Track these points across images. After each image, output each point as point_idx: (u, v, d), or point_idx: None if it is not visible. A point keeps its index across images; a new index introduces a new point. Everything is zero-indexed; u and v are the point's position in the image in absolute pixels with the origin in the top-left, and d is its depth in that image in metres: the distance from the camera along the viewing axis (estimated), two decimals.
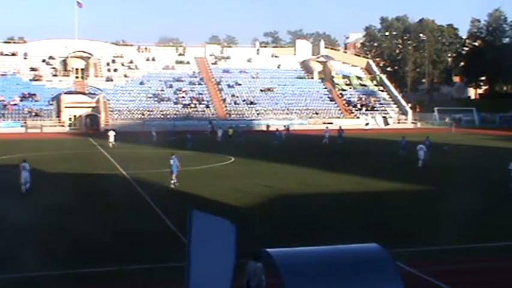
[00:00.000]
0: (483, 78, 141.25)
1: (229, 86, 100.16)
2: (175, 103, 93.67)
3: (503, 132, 77.58)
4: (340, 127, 64.90)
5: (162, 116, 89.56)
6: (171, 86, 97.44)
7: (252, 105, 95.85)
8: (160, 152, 48.84)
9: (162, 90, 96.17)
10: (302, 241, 11.98)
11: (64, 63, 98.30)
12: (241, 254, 14.73)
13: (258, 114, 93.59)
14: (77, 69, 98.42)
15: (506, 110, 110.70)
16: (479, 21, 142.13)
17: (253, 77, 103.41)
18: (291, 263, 9.77)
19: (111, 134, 57.45)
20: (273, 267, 9.89)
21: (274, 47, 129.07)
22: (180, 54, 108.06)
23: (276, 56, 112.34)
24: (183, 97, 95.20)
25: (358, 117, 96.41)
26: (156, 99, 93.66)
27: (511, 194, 28.95)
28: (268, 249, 10.14)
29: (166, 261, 16.14)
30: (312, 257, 10.15)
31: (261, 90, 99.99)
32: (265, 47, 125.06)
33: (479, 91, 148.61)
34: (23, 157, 32.66)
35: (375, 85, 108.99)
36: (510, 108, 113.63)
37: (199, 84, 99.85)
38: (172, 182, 30.22)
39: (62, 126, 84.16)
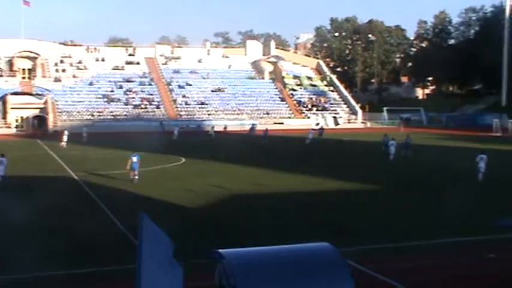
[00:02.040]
0: (430, 78, 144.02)
1: (179, 86, 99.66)
2: (126, 104, 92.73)
3: (449, 131, 79.24)
4: (321, 127, 65.78)
5: (112, 117, 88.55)
6: (121, 87, 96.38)
7: (203, 106, 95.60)
8: (111, 152, 48.33)
9: (112, 90, 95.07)
10: (254, 241, 12.00)
11: (10, 63, 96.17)
12: (197, 255, 14.75)
13: (209, 114, 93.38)
14: (23, 69, 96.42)
15: (453, 110, 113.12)
16: (425, 22, 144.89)
17: (204, 78, 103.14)
18: (242, 263, 9.76)
19: (66, 134, 56.87)
20: (224, 268, 9.87)
21: (224, 47, 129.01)
22: (130, 55, 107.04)
23: (226, 57, 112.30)
24: (133, 98, 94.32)
25: (308, 118, 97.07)
26: (105, 100, 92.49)
27: (464, 189, 29.62)
28: (220, 250, 10.13)
29: (116, 264, 15.93)
30: (263, 257, 10.17)
31: (212, 91, 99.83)
32: (215, 47, 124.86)
33: (427, 91, 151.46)
34: None
35: (325, 85, 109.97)
36: (456, 108, 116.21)
37: (150, 84, 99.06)
38: (134, 177, 31.68)
39: (9, 127, 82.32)
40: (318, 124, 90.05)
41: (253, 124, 76.55)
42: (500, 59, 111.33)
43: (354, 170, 38.89)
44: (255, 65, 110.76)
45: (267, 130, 66.91)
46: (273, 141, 61.99)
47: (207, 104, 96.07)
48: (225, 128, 79.56)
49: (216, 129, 74.07)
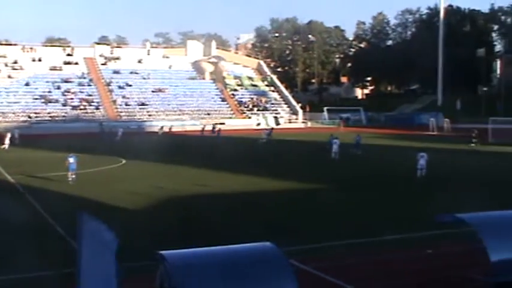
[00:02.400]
0: (369, 78, 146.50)
1: (119, 87, 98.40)
2: (64, 105, 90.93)
3: (388, 130, 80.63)
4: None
5: (50, 118, 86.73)
6: (58, 87, 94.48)
7: (143, 107, 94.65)
8: (49, 155, 47.32)
9: (50, 91, 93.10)
10: (196, 242, 11.89)
11: None
12: (138, 257, 14.54)
13: (149, 115, 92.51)
14: None
15: (391, 109, 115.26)
16: (364, 23, 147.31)
17: (144, 78, 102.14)
18: (184, 265, 9.67)
19: (8, 135, 55.44)
20: (166, 269, 9.76)
21: (165, 47, 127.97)
22: (68, 55, 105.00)
23: (167, 57, 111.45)
24: (72, 99, 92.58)
25: (249, 118, 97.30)
26: (43, 101, 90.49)
27: (404, 187, 30.18)
28: (161, 252, 10.00)
29: (53, 268, 15.55)
30: (205, 258, 10.10)
31: (153, 91, 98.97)
32: (156, 47, 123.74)
33: (366, 91, 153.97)
34: None
35: (266, 85, 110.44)
36: (394, 108, 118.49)
37: (89, 85, 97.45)
38: (71, 178, 31.55)
39: None
40: (259, 124, 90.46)
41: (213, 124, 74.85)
42: (436, 59, 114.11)
43: (297, 169, 39.17)
44: (196, 65, 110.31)
45: (219, 130, 67.32)
46: (219, 141, 61.65)
47: (147, 105, 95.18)
48: (170, 128, 78.60)
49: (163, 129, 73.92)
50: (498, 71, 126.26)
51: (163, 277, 11.22)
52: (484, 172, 37.14)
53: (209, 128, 74.88)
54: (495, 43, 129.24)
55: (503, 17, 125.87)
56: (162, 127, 75.83)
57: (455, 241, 15.33)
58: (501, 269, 11.90)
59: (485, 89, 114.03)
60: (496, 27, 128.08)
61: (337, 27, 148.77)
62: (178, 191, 29.74)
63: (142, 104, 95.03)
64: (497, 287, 11.89)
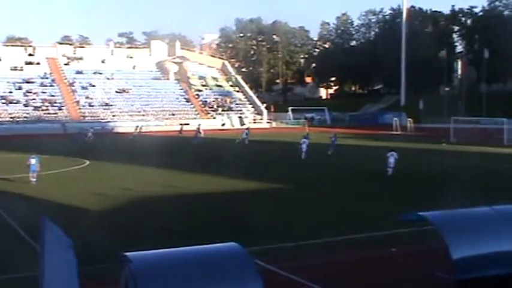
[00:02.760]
0: (333, 78, 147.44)
1: (83, 87, 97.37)
2: (26, 105, 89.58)
3: (352, 130, 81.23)
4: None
5: (11, 120, 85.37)
6: (20, 88, 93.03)
7: (107, 107, 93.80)
8: (10, 156, 46.60)
9: (11, 92, 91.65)
10: (161, 243, 11.83)
11: None
12: (103, 259, 14.41)
13: (113, 116, 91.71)
14: None
15: (355, 109, 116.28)
16: (328, 24, 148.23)
17: (108, 78, 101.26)
18: (149, 266, 9.62)
19: None
20: (131, 271, 9.69)
21: (129, 47, 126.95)
22: (29, 55, 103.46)
23: (131, 57, 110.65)
24: (34, 99, 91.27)
25: (214, 118, 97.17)
26: (3, 101, 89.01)
27: (370, 186, 30.45)
28: (126, 253, 9.94)
29: (16, 271, 15.32)
30: (170, 259, 10.06)
31: (116, 92, 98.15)
32: (119, 47, 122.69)
33: (330, 91, 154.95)
34: None
35: (231, 86, 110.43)
36: (358, 108, 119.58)
37: (51, 85, 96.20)
38: (32, 179, 31.34)
39: None
40: (223, 125, 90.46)
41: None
42: (399, 60, 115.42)
43: (265, 169, 39.24)
44: (160, 65, 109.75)
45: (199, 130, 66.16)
46: (184, 142, 61.34)
47: (111, 105, 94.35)
48: (139, 128, 77.31)
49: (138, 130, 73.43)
50: (459, 72, 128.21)
51: (128, 279, 11.14)
52: (449, 171, 37.67)
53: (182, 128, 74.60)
54: (456, 44, 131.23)
55: (463, 19, 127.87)
56: (137, 127, 74.25)
57: (419, 239, 15.52)
58: (463, 266, 12.10)
59: (447, 89, 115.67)
60: (456, 28, 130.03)
61: (301, 27, 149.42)
62: (144, 192, 29.53)
63: (106, 105, 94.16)
64: (459, 284, 12.08)
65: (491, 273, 12.37)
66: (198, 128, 67.39)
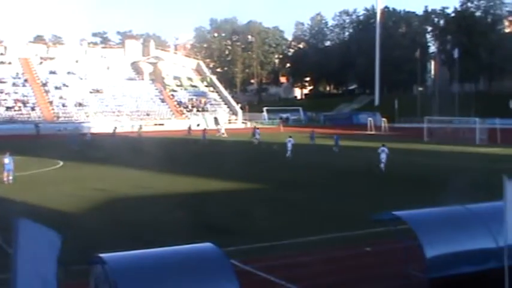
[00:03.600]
0: (308, 78, 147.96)
1: (56, 87, 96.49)
2: None
3: (327, 130, 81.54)
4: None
5: None
6: None
7: (80, 107, 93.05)
8: None
9: None
10: (136, 244, 11.80)
11: None
12: (79, 260, 14.27)
13: (87, 116, 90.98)
14: None
15: (330, 109, 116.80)
16: (303, 24, 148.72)
17: (82, 78, 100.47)
18: (124, 267, 9.58)
19: None
20: (106, 272, 9.65)
21: (103, 47, 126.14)
22: (1, 54, 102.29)
23: (104, 57, 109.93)
24: (6, 100, 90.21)
25: (189, 118, 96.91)
26: None
27: (345, 185, 30.62)
28: (101, 255, 9.89)
29: None
30: (146, 260, 10.03)
31: (90, 92, 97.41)
32: (93, 47, 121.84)
33: (305, 91, 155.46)
34: None
35: (206, 86, 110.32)
36: (333, 108, 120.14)
37: (24, 85, 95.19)
38: (7, 179, 31.47)
39: None
40: (198, 125, 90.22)
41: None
42: (373, 60, 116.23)
43: (244, 169, 39.30)
44: (135, 65, 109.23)
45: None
46: (159, 142, 61.14)
47: (85, 106, 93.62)
48: (115, 129, 77.05)
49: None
50: (432, 72, 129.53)
51: (98, 280, 11.11)
52: (424, 170, 38.02)
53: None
54: (429, 44, 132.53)
55: (436, 19, 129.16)
56: (140, 126, 75.65)
57: (394, 238, 15.65)
58: (436, 264, 12.24)
59: (420, 89, 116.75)
60: (429, 28, 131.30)
61: (275, 27, 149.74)
62: (118, 193, 29.36)
63: (80, 105, 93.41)
64: (432, 282, 12.21)
65: (463, 271, 12.54)
66: (205, 129, 69.72)
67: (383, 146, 37.20)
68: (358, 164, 41.66)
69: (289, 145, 47.01)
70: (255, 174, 36.14)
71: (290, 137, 48.43)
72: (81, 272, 12.55)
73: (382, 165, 36.09)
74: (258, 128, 67.09)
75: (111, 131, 73.85)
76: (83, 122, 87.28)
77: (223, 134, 74.27)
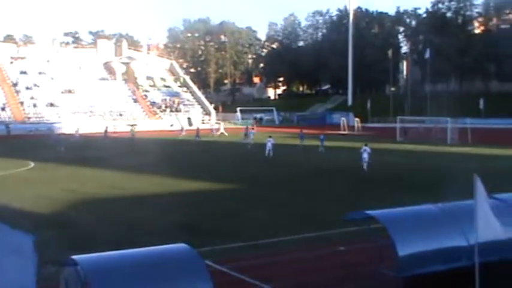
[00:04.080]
0: (281, 79, 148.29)
1: (27, 87, 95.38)
2: None
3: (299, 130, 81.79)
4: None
5: None
6: None
7: (52, 108, 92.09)
8: None
9: None
10: (109, 246, 11.72)
11: None
12: (51, 262, 14.13)
13: (59, 117, 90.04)
14: None
15: (303, 109, 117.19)
16: (276, 24, 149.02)
17: (53, 79, 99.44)
18: (96, 268, 9.51)
19: None
20: (79, 274, 9.56)
21: (75, 47, 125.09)
22: None
23: (77, 57, 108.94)
24: None
25: (162, 119, 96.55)
26: None
27: (319, 185, 30.72)
28: (73, 256, 9.80)
29: None
30: (119, 261, 9.96)
31: (62, 92, 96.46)
32: (65, 47, 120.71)
33: (278, 91, 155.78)
34: None
35: (179, 86, 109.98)
36: (306, 108, 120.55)
37: None
38: None
39: None
40: (171, 125, 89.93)
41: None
42: (346, 60, 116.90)
43: (222, 169, 39.25)
44: (107, 65, 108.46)
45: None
46: (148, 143, 60.56)
47: (56, 106, 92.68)
48: (106, 130, 76.02)
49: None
50: (404, 72, 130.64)
51: (69, 282, 11.01)
52: (396, 170, 38.33)
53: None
54: (401, 45, 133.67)
55: (408, 20, 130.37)
56: (133, 125, 74.96)
57: (367, 237, 15.75)
58: (408, 263, 12.34)
59: (393, 89, 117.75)
60: (402, 29, 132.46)
61: (249, 27, 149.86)
62: (91, 194, 29.10)
63: (52, 105, 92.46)
64: (405, 280, 12.31)
65: (435, 269, 12.65)
66: (198, 128, 70.75)
67: (365, 145, 37.75)
68: (337, 163, 41.93)
69: (269, 144, 47.53)
70: (232, 174, 36.12)
71: (270, 136, 48.87)
72: (52, 274, 12.43)
73: (364, 165, 36.61)
74: (253, 129, 66.99)
75: (102, 131, 73.17)
76: (54, 123, 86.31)
77: (222, 133, 74.18)
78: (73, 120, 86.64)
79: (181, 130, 75.00)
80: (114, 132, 76.22)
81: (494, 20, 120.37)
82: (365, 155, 36.93)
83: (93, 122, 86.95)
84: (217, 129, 77.39)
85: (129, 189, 30.55)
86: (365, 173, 35.94)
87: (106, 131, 72.09)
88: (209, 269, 10.76)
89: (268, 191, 30.07)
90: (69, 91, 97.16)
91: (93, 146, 58.78)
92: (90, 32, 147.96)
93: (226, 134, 74.16)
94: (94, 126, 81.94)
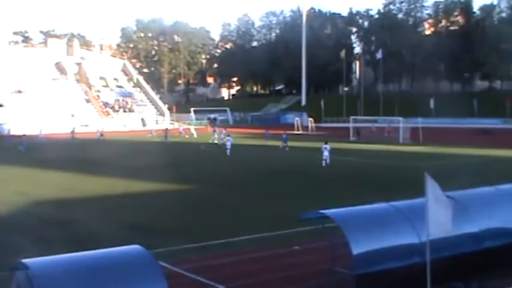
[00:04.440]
0: (235, 79, 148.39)
1: None
2: None
3: (255, 130, 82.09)
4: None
5: None
6: None
7: (1, 109, 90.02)
8: None
9: None
10: (61, 249, 11.52)
11: None
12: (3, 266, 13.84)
13: (8, 118, 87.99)
14: None
15: (257, 109, 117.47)
16: (229, 24, 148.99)
17: (2, 79, 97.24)
18: (47, 272, 9.33)
19: None
20: (29, 278, 9.37)
21: (24, 46, 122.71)
22: None
23: (26, 56, 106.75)
24: None
25: (115, 119, 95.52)
26: None
27: (272, 185, 30.80)
28: (24, 260, 9.60)
29: None
30: (71, 264, 9.80)
31: (11, 93, 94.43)
32: (14, 46, 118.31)
33: (232, 92, 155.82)
34: None
35: (132, 86, 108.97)
36: (260, 108, 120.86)
37: None
38: None
39: None
40: (125, 126, 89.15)
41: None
42: (300, 61, 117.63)
43: (181, 170, 39.02)
44: (59, 65, 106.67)
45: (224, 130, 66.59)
46: (112, 144, 59.66)
47: (5, 107, 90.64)
48: (73, 130, 74.50)
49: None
50: (357, 72, 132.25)
51: (20, 286, 10.79)
52: (351, 169, 38.73)
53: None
54: (354, 45, 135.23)
55: (360, 21, 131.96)
56: (72, 129, 72.81)
57: (322, 237, 15.86)
58: (362, 261, 12.47)
59: (346, 89, 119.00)
60: (354, 30, 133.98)
61: (202, 28, 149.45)
62: (42, 196, 28.57)
63: (0, 106, 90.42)
64: (358, 278, 12.43)
65: (389, 266, 12.81)
66: (167, 129, 70.90)
67: (325, 143, 40.23)
68: (293, 163, 42.17)
69: (229, 144, 48.43)
70: (190, 175, 35.91)
71: (228, 135, 49.37)
72: (2, 279, 12.18)
73: (323, 162, 38.86)
74: (225, 129, 67.10)
75: (69, 131, 71.79)
76: (2, 124, 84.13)
77: (191, 134, 73.29)
78: (22, 121, 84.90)
79: (151, 131, 75.21)
80: (80, 133, 75.22)
81: (444, 22, 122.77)
82: (326, 153, 39.44)
83: (54, 122, 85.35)
84: (187, 130, 76.67)
85: (81, 191, 30.12)
86: (323, 169, 37.29)
87: (73, 131, 71.45)
88: (164, 271, 10.68)
89: (224, 191, 30.03)
90: (19, 91, 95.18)
91: (55, 147, 57.75)
92: (41, 32, 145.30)
93: (195, 135, 73.24)
94: (57, 127, 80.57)
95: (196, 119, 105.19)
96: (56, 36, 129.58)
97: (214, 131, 64.93)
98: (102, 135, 70.91)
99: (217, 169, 39.60)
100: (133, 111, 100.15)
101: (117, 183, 33.09)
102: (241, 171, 38.01)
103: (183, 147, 58.97)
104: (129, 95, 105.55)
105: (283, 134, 54.86)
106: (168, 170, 38.38)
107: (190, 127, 78.97)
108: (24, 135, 61.43)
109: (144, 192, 29.92)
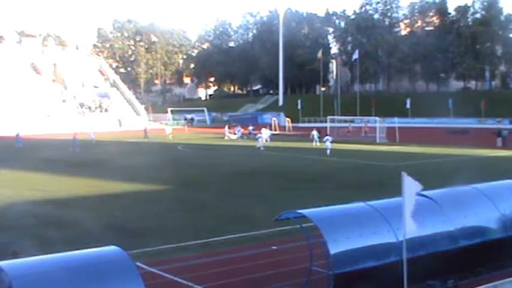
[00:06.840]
0: (212, 79, 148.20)
1: None
2: None
3: (232, 130, 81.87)
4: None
5: None
6: None
7: None
8: None
9: None
10: (36, 250, 11.39)
11: None
12: None
13: None
14: None
15: (234, 110, 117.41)
16: (207, 25, 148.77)
17: None
18: (23, 274, 9.23)
19: None
20: (4, 280, 9.26)
21: None
22: None
23: (1, 56, 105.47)
24: None
25: (91, 119, 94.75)
26: None
27: (253, 185, 30.78)
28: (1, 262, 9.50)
29: None
30: (47, 266, 9.70)
31: None
32: None
33: (210, 92, 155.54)
34: None
35: (109, 86, 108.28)
36: (238, 108, 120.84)
37: None
38: None
39: None
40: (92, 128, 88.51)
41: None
42: (277, 61, 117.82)
43: (141, 171, 38.72)
44: (34, 65, 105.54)
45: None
46: (97, 146, 58.93)
47: None
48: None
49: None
50: (334, 72, 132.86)
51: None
52: (329, 169, 38.85)
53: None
54: (331, 45, 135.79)
55: (337, 21, 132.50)
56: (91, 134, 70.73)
57: (300, 237, 15.88)
58: (340, 260, 12.51)
59: (323, 89, 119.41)
60: (331, 30, 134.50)
61: (179, 28, 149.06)
62: (14, 197, 28.20)
63: None
64: (336, 277, 12.47)
65: (366, 265, 12.88)
66: (146, 129, 71.16)
67: (328, 135, 48.27)
68: (269, 163, 42.15)
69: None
70: (166, 176, 35.65)
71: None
72: None
73: (328, 151, 45.90)
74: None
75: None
76: None
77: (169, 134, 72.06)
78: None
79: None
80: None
81: (419, 22, 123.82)
82: (328, 143, 46.76)
83: (30, 123, 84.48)
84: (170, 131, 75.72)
85: (54, 191, 29.81)
86: (327, 156, 42.99)
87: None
88: (141, 271, 10.62)
89: (200, 191, 29.94)
90: None
91: (30, 147, 57.19)
92: (16, 31, 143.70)
93: (171, 137, 71.45)
94: (32, 127, 79.59)
95: (174, 119, 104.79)
96: (30, 35, 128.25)
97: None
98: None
99: (195, 169, 39.47)
100: (109, 111, 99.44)
101: (94, 183, 32.85)
102: (218, 171, 37.91)
103: (162, 147, 58.71)
104: (106, 95, 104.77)
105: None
106: (146, 171, 38.13)
107: (166, 127, 78.09)
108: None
109: (120, 192, 29.74)
